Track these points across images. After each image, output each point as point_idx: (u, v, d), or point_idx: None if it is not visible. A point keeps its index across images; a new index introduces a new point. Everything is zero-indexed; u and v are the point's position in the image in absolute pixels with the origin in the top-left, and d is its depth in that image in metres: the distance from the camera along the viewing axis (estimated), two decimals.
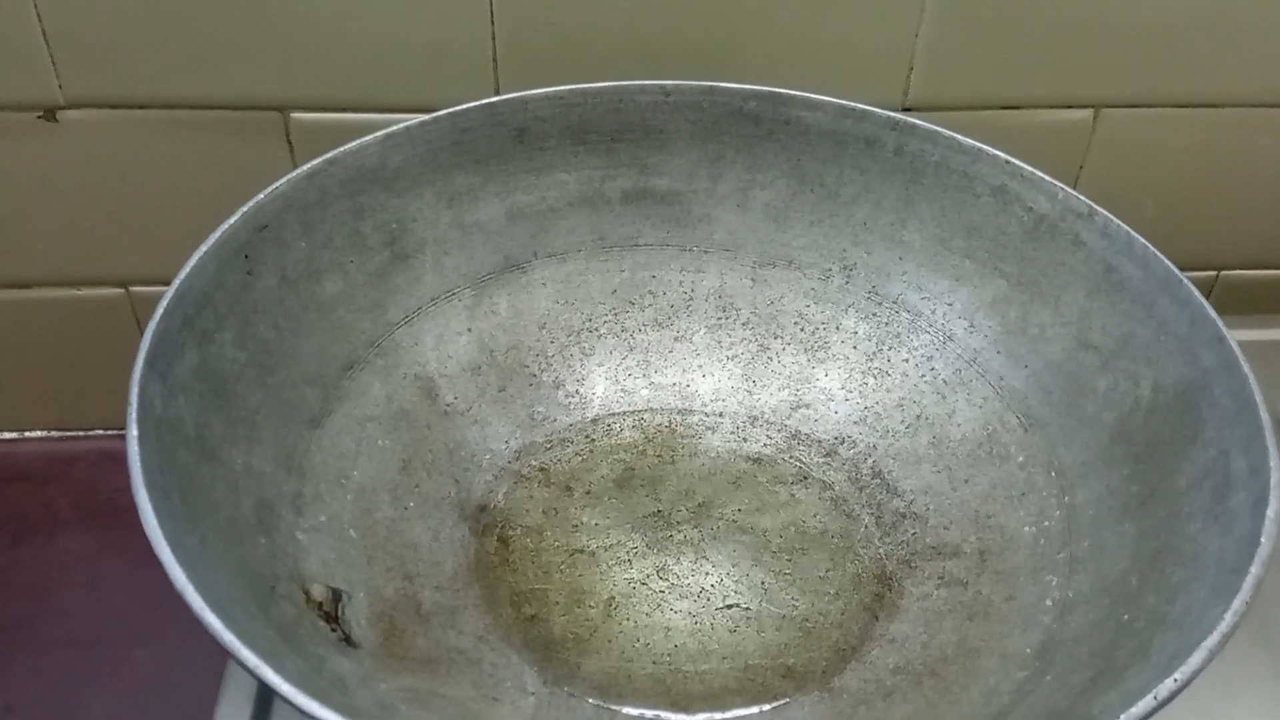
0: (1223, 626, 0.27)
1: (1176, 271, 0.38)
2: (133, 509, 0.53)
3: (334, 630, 0.33)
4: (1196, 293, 0.37)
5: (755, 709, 0.36)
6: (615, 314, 0.47)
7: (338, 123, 0.48)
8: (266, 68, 0.46)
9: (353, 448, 0.40)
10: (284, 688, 0.25)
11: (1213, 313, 0.36)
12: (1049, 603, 0.35)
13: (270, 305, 0.38)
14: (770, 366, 0.46)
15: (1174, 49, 0.49)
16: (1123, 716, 0.26)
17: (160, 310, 0.33)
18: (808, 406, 0.45)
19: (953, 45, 0.48)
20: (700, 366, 0.47)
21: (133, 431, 0.30)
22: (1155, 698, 0.26)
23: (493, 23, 0.46)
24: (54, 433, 0.57)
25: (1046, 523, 0.38)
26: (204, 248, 0.36)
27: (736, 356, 0.47)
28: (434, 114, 0.43)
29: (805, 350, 0.46)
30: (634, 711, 0.36)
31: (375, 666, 0.33)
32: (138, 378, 0.31)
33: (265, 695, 0.38)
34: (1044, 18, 0.48)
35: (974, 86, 0.50)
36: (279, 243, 0.39)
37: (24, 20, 0.44)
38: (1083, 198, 0.41)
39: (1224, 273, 0.58)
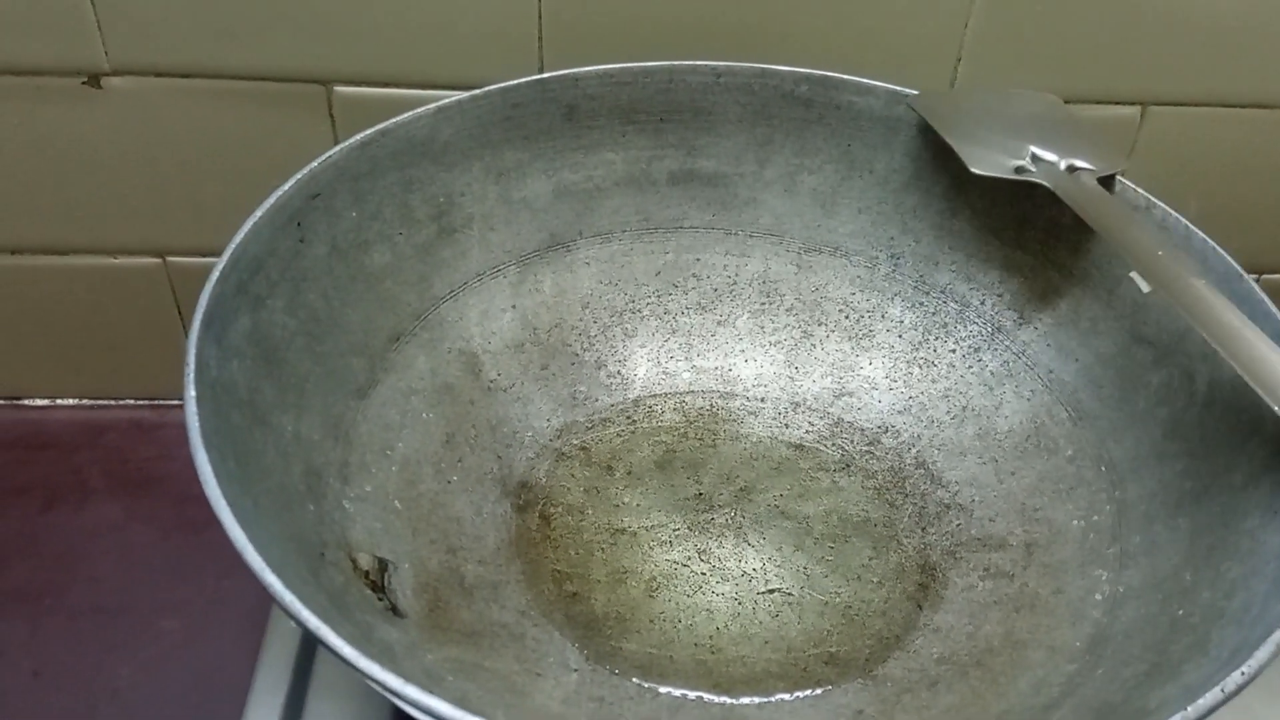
0: None
1: (1237, 266, 0.37)
2: (163, 479, 0.53)
3: (380, 599, 0.33)
4: (1257, 288, 0.36)
5: (798, 694, 0.36)
6: (659, 296, 0.46)
7: (380, 97, 0.48)
8: (311, 40, 0.46)
9: (397, 419, 0.39)
10: (345, 650, 0.24)
11: (1274, 309, 0.35)
12: (1099, 597, 0.35)
13: (320, 274, 0.38)
14: (814, 353, 0.46)
15: (1223, 48, 0.49)
16: (1190, 708, 0.25)
17: (216, 274, 0.33)
18: (851, 395, 0.45)
19: (1001, 36, 0.48)
20: (743, 351, 0.46)
21: (190, 392, 0.29)
22: (1223, 690, 0.26)
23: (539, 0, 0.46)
24: (85, 401, 0.57)
25: (1096, 517, 0.37)
26: (258, 213, 0.36)
27: (780, 342, 0.46)
28: (485, 89, 0.42)
29: (850, 338, 0.46)
30: (676, 692, 0.35)
31: (421, 637, 0.33)
32: (195, 339, 0.31)
33: (303, 666, 0.38)
34: (1094, 13, 0.48)
35: (1021, 79, 0.49)
36: (330, 212, 0.39)
37: None
38: (1140, 190, 0.40)
39: (1265, 276, 0.57)
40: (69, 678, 0.46)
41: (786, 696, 0.35)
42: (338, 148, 0.39)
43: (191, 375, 0.30)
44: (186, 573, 0.49)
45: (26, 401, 0.56)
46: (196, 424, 0.28)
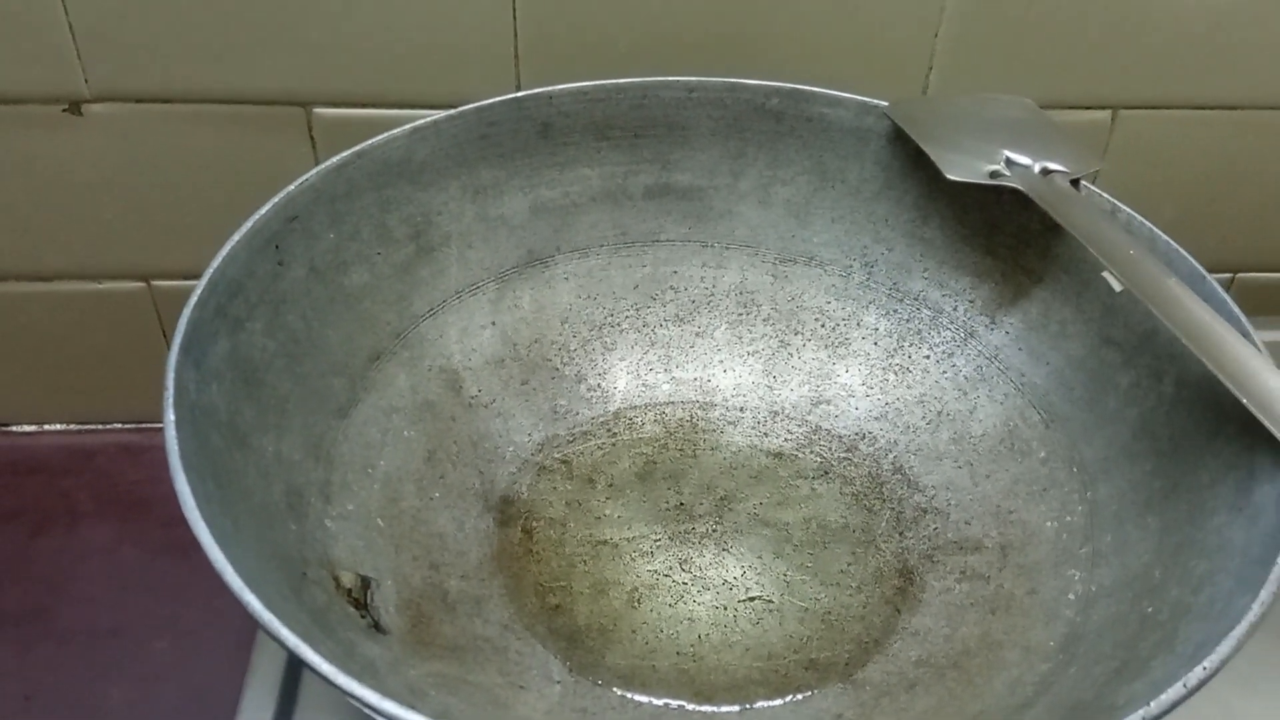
0: (1250, 616, 0.28)
1: (1200, 268, 0.38)
2: (152, 501, 0.54)
3: (363, 617, 0.33)
4: (1220, 289, 0.37)
5: (779, 700, 0.36)
6: (637, 309, 0.47)
7: (359, 118, 0.49)
8: (290, 63, 0.47)
9: (379, 438, 0.40)
10: (323, 667, 0.25)
11: (1237, 309, 0.36)
12: (1072, 596, 0.35)
13: (299, 295, 0.38)
14: (791, 362, 0.47)
15: (1192, 51, 0.50)
16: (1153, 704, 0.26)
17: (194, 297, 0.34)
18: (828, 402, 0.46)
19: (972, 44, 0.49)
20: (721, 362, 0.47)
21: (169, 416, 0.30)
22: (1185, 685, 0.26)
23: (515, 19, 0.47)
24: (73, 426, 0.57)
25: (1068, 518, 0.38)
26: (236, 237, 0.36)
27: (757, 352, 0.47)
28: (460, 109, 0.43)
29: (826, 346, 0.46)
30: (659, 701, 0.36)
31: (404, 653, 0.33)
32: (173, 363, 0.31)
33: (289, 686, 0.39)
34: (1063, 19, 0.48)
35: (993, 86, 0.50)
36: (308, 234, 0.39)
37: (51, 13, 0.45)
38: (1106, 195, 0.41)
39: (1240, 275, 0.58)
40: (60, 701, 0.46)
41: (767, 703, 0.36)
42: (314, 170, 0.39)
43: (170, 399, 0.30)
44: (176, 594, 0.49)
45: (14, 428, 0.57)
46: (176, 447, 0.29)
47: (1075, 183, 0.41)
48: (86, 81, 0.47)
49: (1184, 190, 0.55)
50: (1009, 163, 0.42)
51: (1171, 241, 0.39)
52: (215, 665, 0.45)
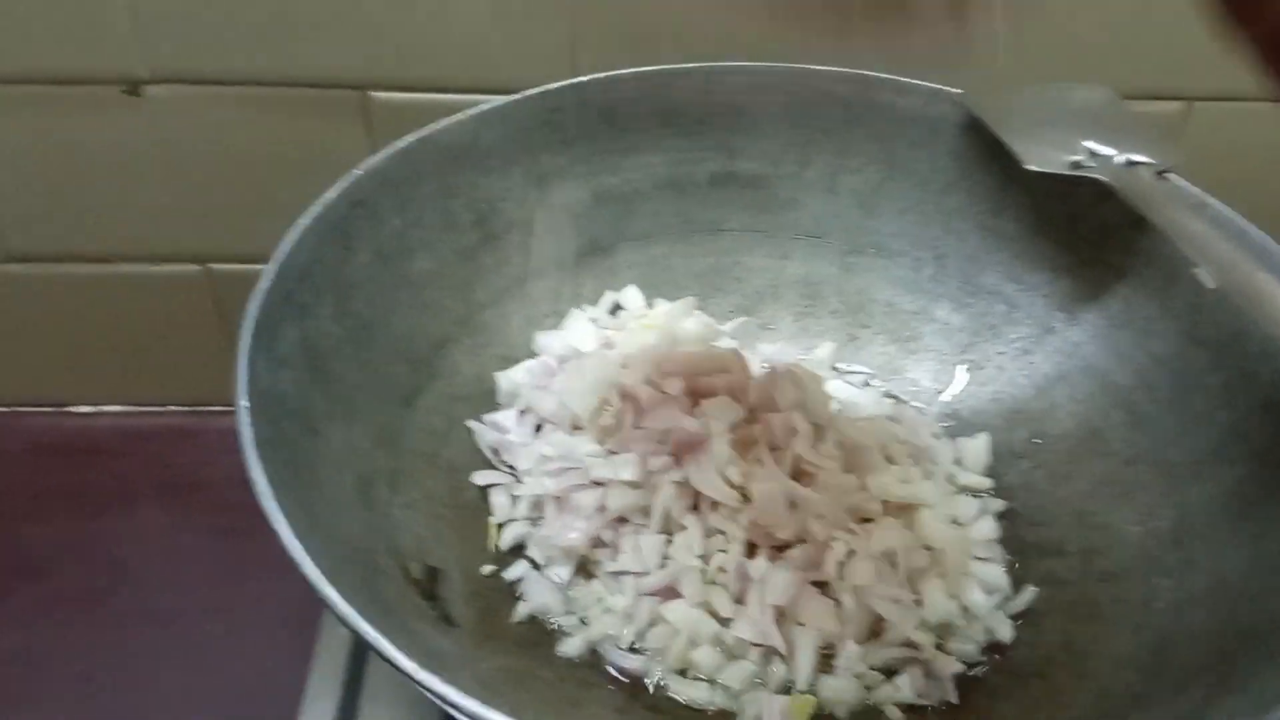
0: None
1: None
2: (208, 484, 0.54)
3: (433, 608, 0.33)
4: None
5: None
6: (700, 299, 0.46)
7: (416, 102, 0.48)
8: (347, 46, 0.46)
9: (444, 426, 0.39)
10: (404, 663, 0.24)
11: None
12: (1161, 605, 0.34)
13: (365, 281, 0.38)
14: (859, 356, 0.46)
15: None
16: None
17: (265, 284, 0.33)
18: (898, 398, 0.45)
19: (1041, 30, 0.47)
20: (788, 355, 0.46)
21: (243, 403, 0.29)
22: None
23: (571, 3, 0.46)
24: (129, 408, 0.57)
25: (1155, 523, 0.37)
26: (303, 222, 0.36)
27: (824, 345, 0.46)
28: (524, 93, 0.42)
29: (895, 340, 0.45)
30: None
31: (473, 645, 0.33)
32: (246, 349, 0.31)
33: (354, 673, 0.38)
34: (1135, 5, 0.47)
35: (1062, 74, 0.48)
36: (374, 219, 0.38)
37: None
38: (1195, 188, 0.40)
39: None
40: (118, 683, 0.46)
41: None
42: (381, 154, 0.39)
43: (244, 386, 0.30)
44: (233, 577, 0.49)
45: (72, 409, 0.57)
46: (250, 435, 0.28)
47: (1161, 174, 0.40)
48: (145, 63, 0.46)
49: (1260, 185, 0.53)
50: (1091, 153, 0.40)
51: (1267, 237, 0.38)
52: (272, 649, 0.45)
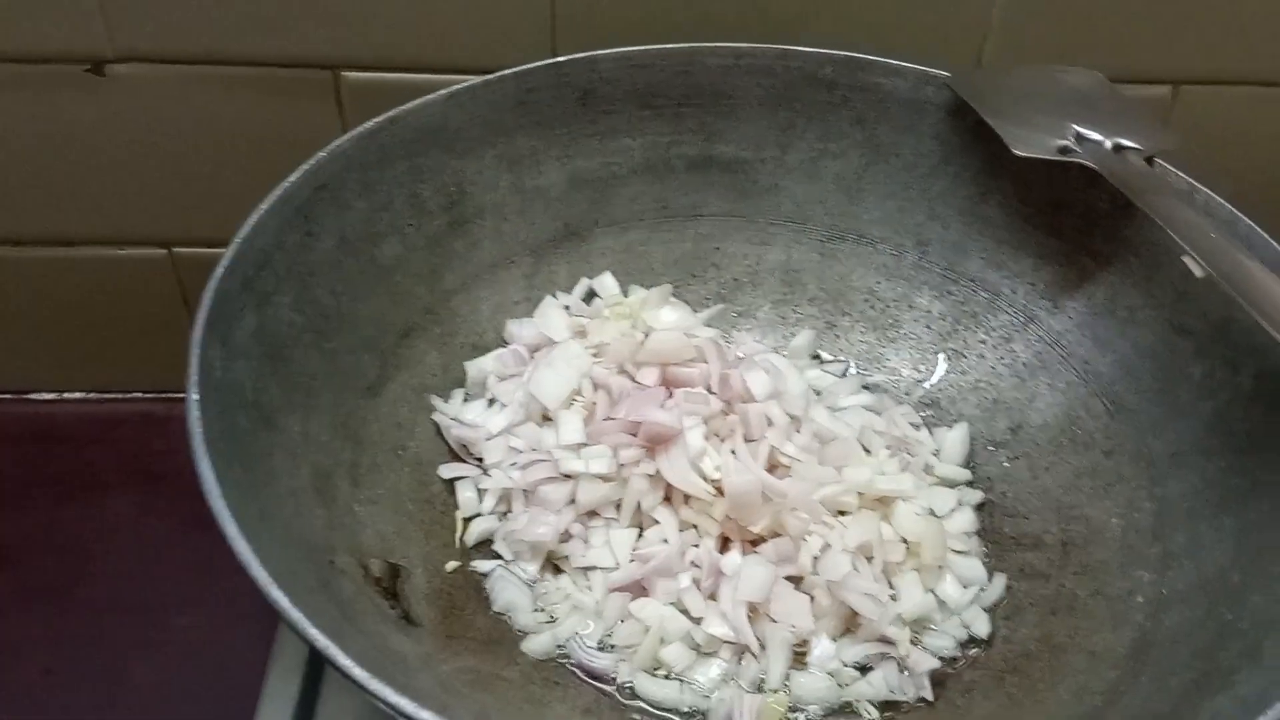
0: None
1: None
2: (175, 472, 0.52)
3: (393, 607, 0.32)
4: None
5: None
6: (677, 286, 0.45)
7: (389, 83, 0.47)
8: (318, 24, 0.45)
9: (410, 418, 0.38)
10: (355, 671, 0.23)
11: None
12: (1141, 599, 0.34)
13: (328, 268, 0.37)
14: (837, 344, 0.45)
15: (1259, 25, 0.47)
16: None
17: (220, 269, 0.32)
18: (877, 388, 0.44)
19: (1028, 14, 0.46)
20: (765, 343, 0.45)
21: (193, 396, 0.28)
22: None
23: None
24: (94, 394, 0.56)
25: (1136, 515, 0.36)
26: (263, 205, 0.34)
27: (802, 334, 0.45)
28: (498, 73, 0.41)
29: (875, 329, 0.44)
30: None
31: (436, 646, 0.32)
32: (198, 340, 0.30)
33: (316, 658, 0.37)
34: None
35: (1048, 57, 0.47)
36: (338, 203, 0.37)
37: None
38: (1182, 175, 0.39)
39: None
40: (82, 676, 0.45)
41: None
42: (346, 136, 0.38)
43: (195, 378, 0.29)
44: (201, 567, 0.48)
45: (34, 395, 0.56)
46: (199, 429, 0.27)
47: (1150, 160, 0.39)
48: (110, 40, 0.45)
49: (1247, 169, 0.52)
50: (1079, 138, 0.39)
51: (1253, 225, 0.37)
52: (239, 640, 0.44)
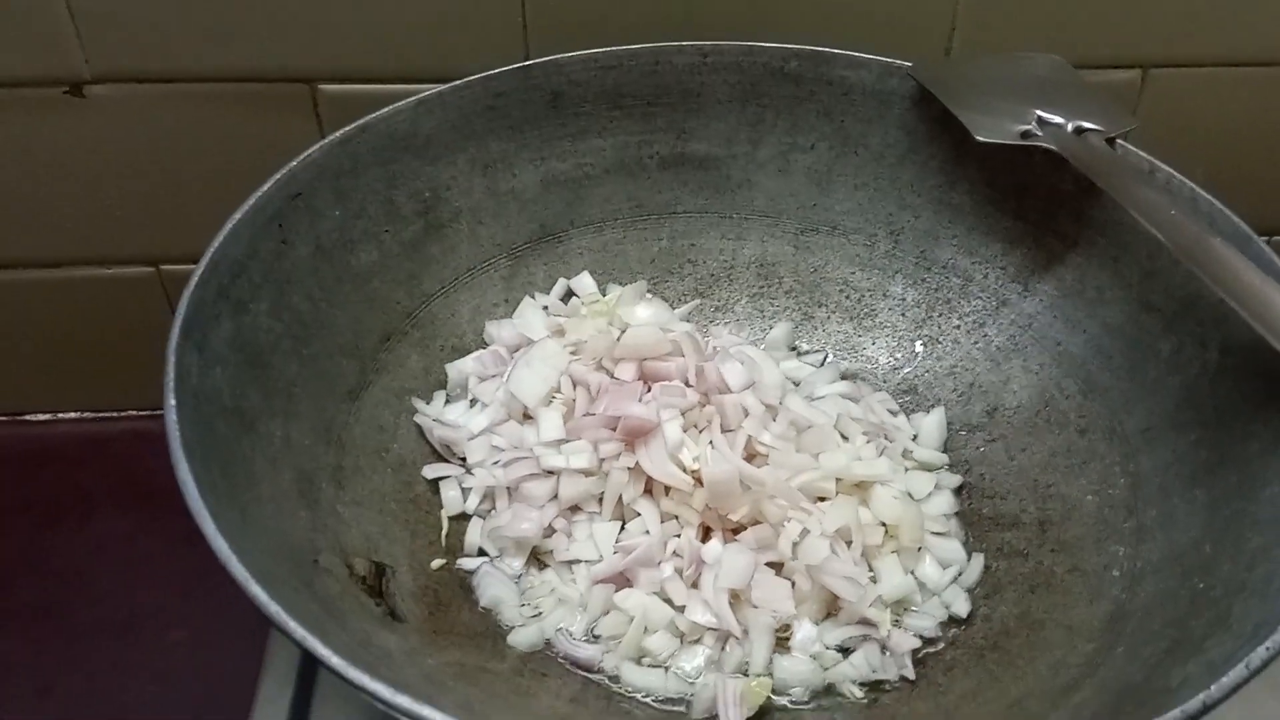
0: None
1: (1247, 229, 0.36)
2: (169, 490, 0.52)
3: (379, 605, 0.32)
4: (1268, 250, 0.35)
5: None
6: (654, 284, 0.45)
7: (366, 93, 0.47)
8: (293, 38, 0.45)
9: (392, 421, 0.39)
10: (333, 660, 0.24)
11: None
12: (1116, 573, 0.34)
13: (305, 275, 0.37)
14: (815, 335, 0.45)
15: (1223, 5, 0.47)
16: (1214, 687, 0.24)
17: (195, 278, 0.33)
18: (855, 376, 0.44)
19: (995, 3, 0.47)
20: (743, 336, 0.45)
21: (170, 401, 0.29)
22: (1247, 667, 0.25)
23: None
24: (87, 414, 0.56)
25: (1110, 491, 0.36)
26: (237, 215, 0.35)
27: (780, 326, 0.45)
28: (466, 79, 0.42)
29: (851, 318, 0.45)
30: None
31: (421, 641, 0.32)
32: (174, 347, 0.30)
33: (307, 673, 0.38)
34: None
35: (1017, 45, 0.48)
36: (312, 211, 0.38)
37: None
38: (1143, 154, 0.39)
39: (1275, 237, 0.56)
40: (78, 695, 0.45)
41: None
42: (316, 145, 0.38)
43: (171, 385, 0.29)
44: (194, 584, 0.49)
45: (27, 417, 0.56)
46: (177, 434, 0.28)
47: (1111, 142, 0.39)
48: (87, 62, 0.46)
49: (1217, 150, 0.52)
50: (1041, 122, 0.40)
51: (1214, 200, 0.37)
52: (234, 656, 0.44)
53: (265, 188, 0.36)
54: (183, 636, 0.47)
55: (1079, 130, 0.40)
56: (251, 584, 0.25)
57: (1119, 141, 0.40)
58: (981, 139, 0.39)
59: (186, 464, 0.27)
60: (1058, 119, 0.40)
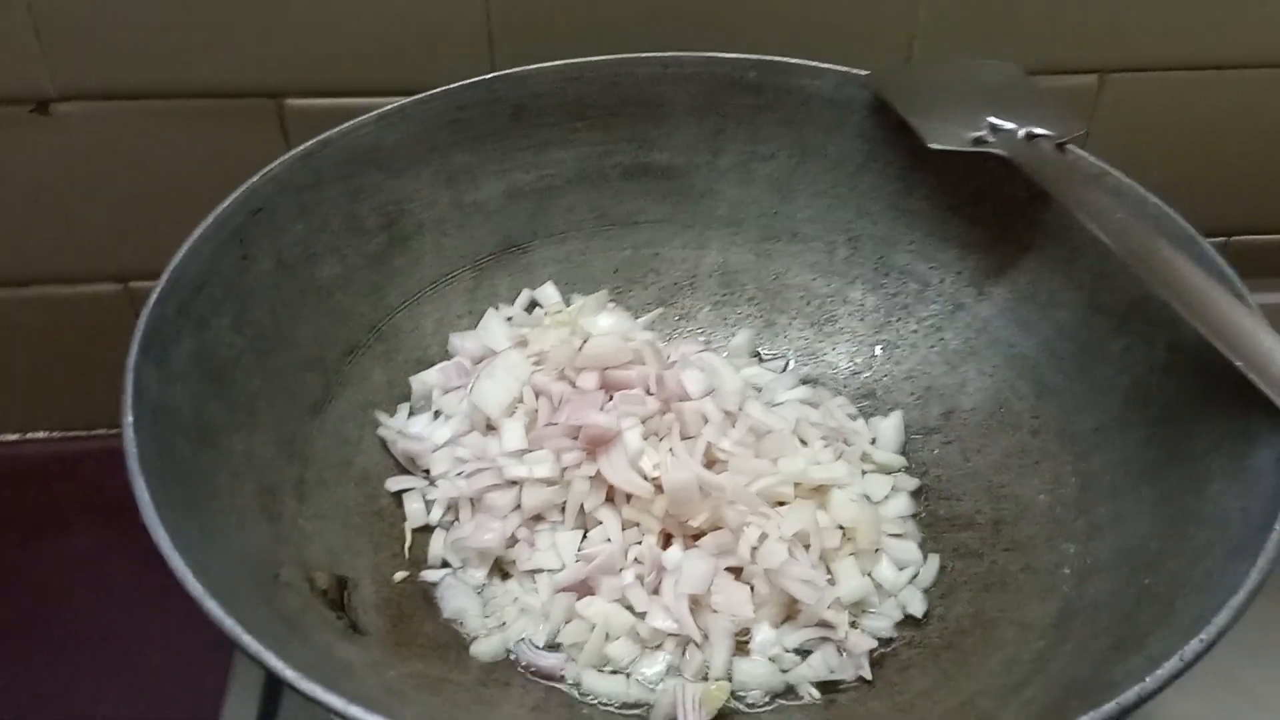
0: (1248, 584, 0.27)
1: (1191, 230, 0.37)
2: (138, 507, 0.53)
3: (340, 618, 0.33)
4: (1212, 250, 0.36)
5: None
6: (618, 293, 0.46)
7: (333, 108, 0.47)
8: (260, 53, 0.46)
9: (355, 434, 0.39)
10: (287, 673, 0.24)
11: (1230, 270, 0.35)
12: (1067, 571, 0.35)
13: (267, 290, 0.38)
14: (777, 341, 0.46)
15: (1180, 11, 0.48)
16: (1148, 679, 0.25)
17: (154, 296, 0.33)
18: (816, 381, 0.45)
19: (955, 10, 0.47)
20: (706, 344, 0.46)
21: (128, 419, 0.29)
22: (1181, 659, 0.25)
23: (488, 1, 0.45)
24: (57, 433, 0.56)
25: (1062, 490, 0.37)
26: (197, 232, 0.35)
27: (742, 333, 0.46)
28: (429, 92, 0.42)
29: (812, 324, 0.46)
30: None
31: (383, 653, 0.33)
32: (132, 364, 0.31)
33: (273, 687, 0.38)
34: None
35: (977, 52, 0.49)
36: (274, 226, 0.38)
37: (14, 11, 0.44)
38: (1094, 159, 0.40)
39: (1235, 238, 0.57)
40: (53, 711, 0.45)
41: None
42: (278, 160, 0.38)
43: (129, 402, 0.29)
44: (167, 600, 0.49)
45: None
46: (135, 451, 0.28)
47: (1061, 146, 0.40)
48: (53, 80, 0.46)
49: (1175, 154, 0.53)
50: (993, 129, 0.41)
51: (1161, 204, 0.38)
52: (208, 672, 0.44)
53: (226, 204, 0.36)
54: (155, 653, 0.47)
55: (1030, 136, 0.40)
56: (207, 599, 0.25)
57: (1069, 146, 0.40)
58: (934, 146, 0.40)
59: (144, 480, 0.27)
60: (1010, 125, 0.41)
